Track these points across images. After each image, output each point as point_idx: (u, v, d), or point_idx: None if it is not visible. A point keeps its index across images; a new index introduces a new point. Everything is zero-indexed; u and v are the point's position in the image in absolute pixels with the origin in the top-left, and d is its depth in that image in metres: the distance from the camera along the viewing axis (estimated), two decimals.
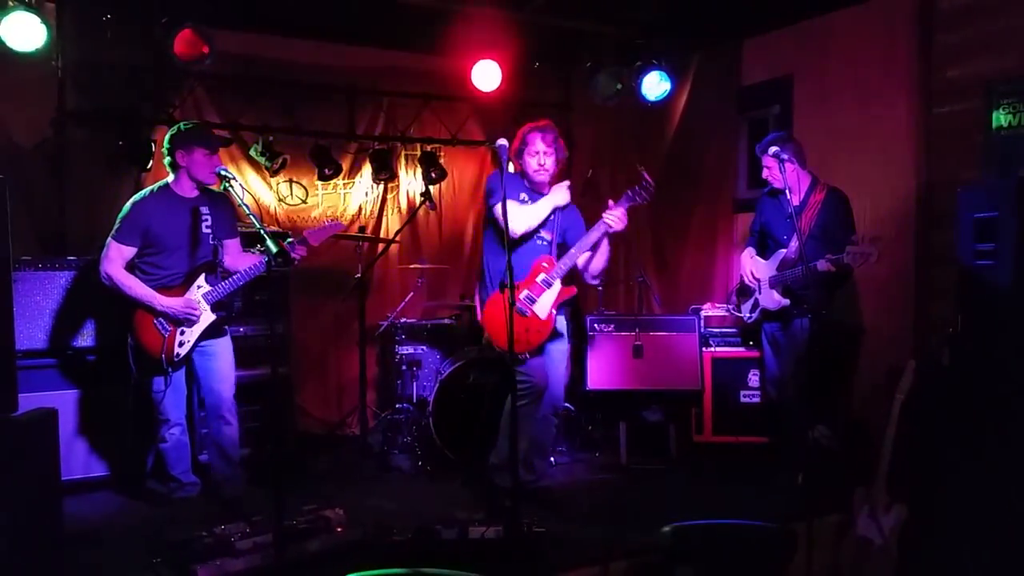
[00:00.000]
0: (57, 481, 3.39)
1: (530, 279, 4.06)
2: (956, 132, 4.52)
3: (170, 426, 4.13)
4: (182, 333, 3.99)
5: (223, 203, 4.20)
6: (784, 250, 4.49)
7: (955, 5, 4.49)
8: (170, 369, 4.02)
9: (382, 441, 5.06)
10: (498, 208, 3.71)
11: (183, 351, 4.00)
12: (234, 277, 4.03)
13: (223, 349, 4.15)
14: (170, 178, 4.08)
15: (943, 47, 4.55)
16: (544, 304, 4.05)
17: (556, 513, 3.96)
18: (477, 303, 4.28)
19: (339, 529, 3.52)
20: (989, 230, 3.49)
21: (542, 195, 4.14)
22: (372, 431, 5.16)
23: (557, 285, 4.08)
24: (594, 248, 4.11)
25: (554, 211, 4.12)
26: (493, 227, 4.15)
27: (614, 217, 3.98)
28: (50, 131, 4.98)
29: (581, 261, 4.17)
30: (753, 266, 4.68)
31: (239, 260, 4.18)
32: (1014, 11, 4.23)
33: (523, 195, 4.13)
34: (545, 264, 4.09)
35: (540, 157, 4.09)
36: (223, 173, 3.76)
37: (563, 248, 4.18)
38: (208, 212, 4.08)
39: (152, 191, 4.14)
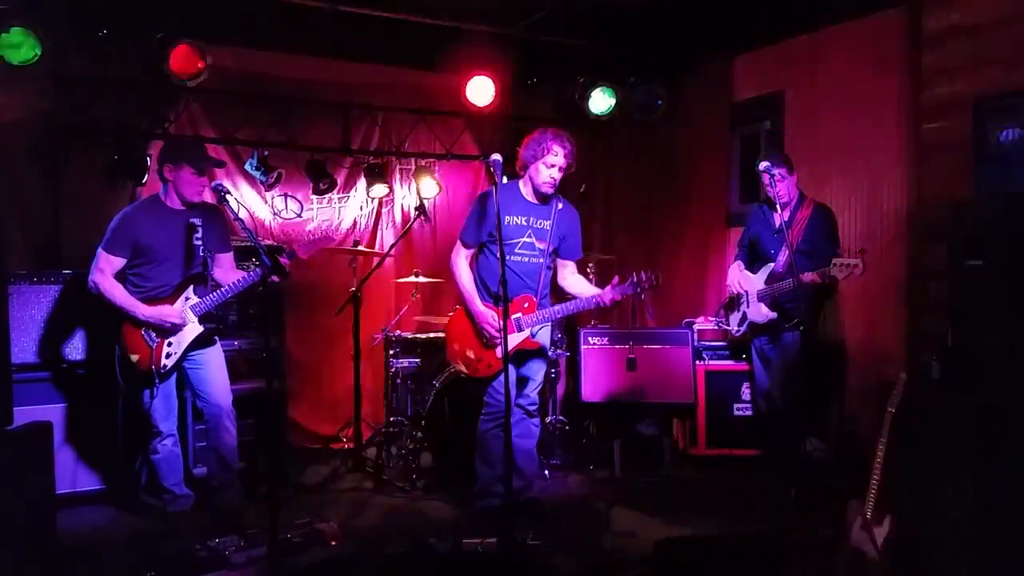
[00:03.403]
0: (52, 494, 3.38)
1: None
2: (946, 148, 4.57)
3: (162, 438, 4.12)
4: (169, 344, 3.98)
5: (216, 216, 4.19)
6: (772, 264, 4.53)
7: (940, 24, 4.56)
8: (157, 380, 4.01)
9: (376, 454, 5.06)
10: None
11: (170, 363, 3.99)
12: (222, 289, 4.03)
13: (214, 358, 4.14)
14: (162, 190, 4.08)
15: (930, 65, 4.62)
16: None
17: (550, 526, 3.96)
18: None
19: (333, 542, 3.52)
20: (979, 245, 3.53)
21: (542, 206, 4.07)
22: (366, 444, 5.16)
23: (525, 333, 4.00)
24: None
25: (553, 217, 4.06)
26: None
27: (609, 298, 3.88)
28: (45, 145, 4.99)
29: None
30: (742, 279, 4.71)
31: (229, 274, 4.18)
32: (998, 30, 4.29)
33: (521, 218, 4.02)
34: (526, 305, 3.99)
35: (555, 171, 3.96)
36: (219, 187, 3.77)
37: (554, 255, 4.13)
38: (201, 224, 4.08)
39: (143, 202, 4.15)
